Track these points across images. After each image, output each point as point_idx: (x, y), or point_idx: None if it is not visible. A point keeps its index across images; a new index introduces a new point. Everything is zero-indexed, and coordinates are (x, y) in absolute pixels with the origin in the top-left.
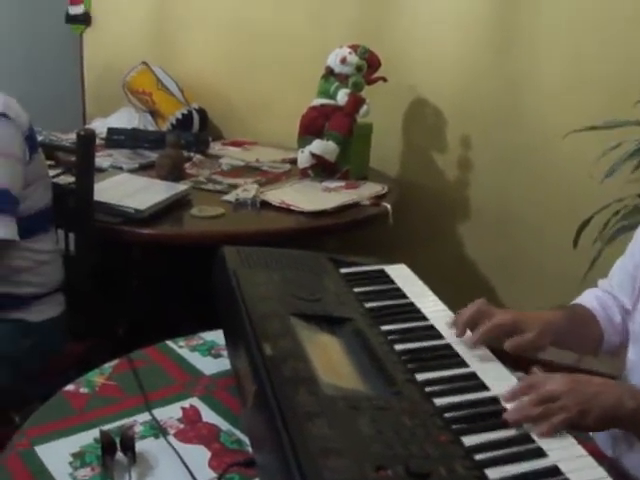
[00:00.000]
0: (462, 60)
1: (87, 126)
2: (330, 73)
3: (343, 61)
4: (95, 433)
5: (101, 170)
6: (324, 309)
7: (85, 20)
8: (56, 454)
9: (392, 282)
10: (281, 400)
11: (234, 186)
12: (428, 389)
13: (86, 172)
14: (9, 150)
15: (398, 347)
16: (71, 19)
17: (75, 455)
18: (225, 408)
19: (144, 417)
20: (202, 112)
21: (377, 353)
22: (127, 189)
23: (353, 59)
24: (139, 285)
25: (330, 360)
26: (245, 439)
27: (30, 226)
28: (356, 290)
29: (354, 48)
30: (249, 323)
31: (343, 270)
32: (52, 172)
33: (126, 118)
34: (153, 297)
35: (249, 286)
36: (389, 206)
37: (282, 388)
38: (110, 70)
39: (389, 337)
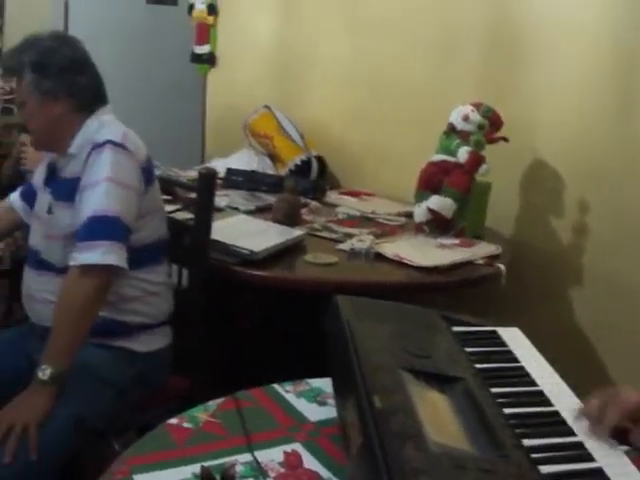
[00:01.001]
0: (582, 124)
1: (206, 165)
2: (452, 130)
3: (465, 119)
4: (194, 468)
5: (218, 209)
6: (435, 366)
7: (210, 60)
8: None
9: (504, 344)
10: (388, 454)
11: (349, 235)
12: (535, 455)
13: (205, 210)
14: (124, 180)
15: (507, 411)
16: (196, 59)
17: None
18: (327, 456)
19: (245, 457)
20: (321, 160)
21: (486, 415)
22: (243, 230)
23: (476, 117)
24: (246, 326)
25: (438, 417)
26: None
27: (142, 257)
28: (467, 350)
29: (477, 106)
30: (360, 374)
31: (455, 328)
32: (170, 207)
33: (245, 160)
34: (259, 339)
35: (361, 337)
36: (503, 267)
37: (389, 442)
38: (231, 111)
39: (498, 400)
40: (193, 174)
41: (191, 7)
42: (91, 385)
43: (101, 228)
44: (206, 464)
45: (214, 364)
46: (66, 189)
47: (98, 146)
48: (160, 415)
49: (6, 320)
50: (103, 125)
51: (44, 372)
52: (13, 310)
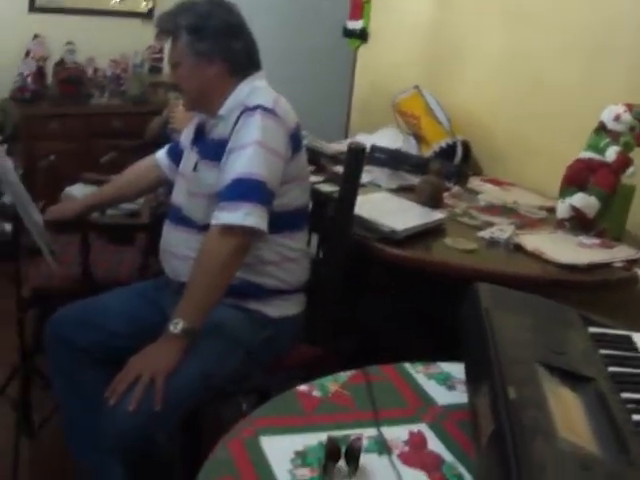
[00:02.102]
0: None
1: (350, 140)
2: (602, 128)
3: (617, 118)
4: (320, 437)
5: (361, 185)
6: (569, 364)
7: (362, 36)
8: (279, 448)
9: (637, 350)
10: (518, 445)
11: (489, 223)
12: None
13: (351, 185)
14: (272, 145)
15: (635, 417)
16: (349, 33)
17: (298, 453)
18: (452, 440)
19: (371, 432)
20: (466, 145)
21: (615, 419)
22: (385, 208)
23: (627, 118)
24: (376, 303)
25: (569, 415)
26: (467, 474)
27: (283, 222)
28: (602, 352)
29: (630, 107)
30: (496, 364)
31: (591, 329)
32: (315, 178)
33: (390, 138)
34: (387, 317)
35: (499, 327)
36: None
37: (520, 434)
38: (379, 88)
39: (628, 405)
40: (337, 147)
41: None
42: (221, 344)
43: (245, 190)
44: (332, 434)
45: (343, 336)
46: (213, 149)
47: (249, 110)
48: (285, 381)
49: (142, 273)
50: (255, 90)
51: (176, 326)
52: (149, 264)
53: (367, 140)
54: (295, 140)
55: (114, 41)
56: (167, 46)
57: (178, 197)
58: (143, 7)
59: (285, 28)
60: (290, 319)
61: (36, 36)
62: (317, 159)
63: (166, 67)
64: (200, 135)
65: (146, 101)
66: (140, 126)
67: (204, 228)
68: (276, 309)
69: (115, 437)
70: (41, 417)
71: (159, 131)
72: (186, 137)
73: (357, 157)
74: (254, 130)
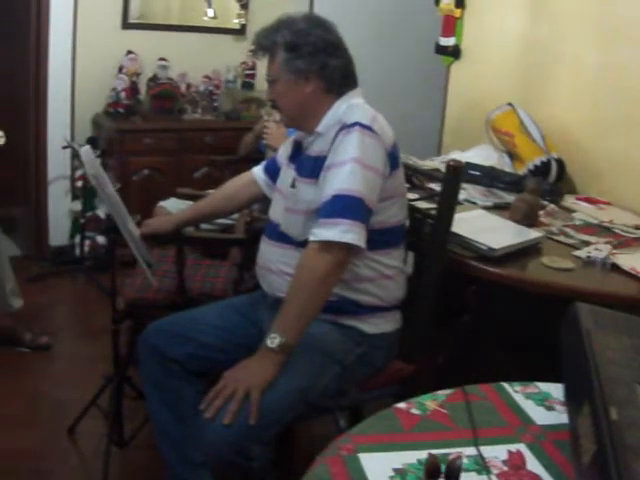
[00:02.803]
0: None
1: (443, 157)
2: None
3: None
4: (419, 454)
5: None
6: None
7: (454, 53)
8: (379, 466)
9: None
10: (620, 466)
11: (586, 243)
12: None
13: (449, 202)
14: (370, 162)
15: None
16: (441, 50)
17: (397, 471)
18: (551, 460)
19: (470, 451)
20: (560, 163)
21: None
22: (481, 225)
23: None
24: (469, 320)
25: None
26: None
27: (380, 239)
28: None
29: None
30: (597, 384)
31: None
32: (411, 195)
33: (484, 155)
34: (480, 335)
35: (600, 348)
36: None
37: (623, 455)
38: (472, 105)
39: None
40: (431, 164)
41: None
42: (317, 359)
43: (343, 207)
44: (432, 452)
45: (436, 353)
46: (311, 166)
47: (347, 127)
48: (380, 397)
49: (236, 288)
50: (352, 107)
51: (273, 340)
52: (244, 279)
53: (461, 157)
54: (393, 157)
55: (207, 57)
56: (259, 62)
57: (276, 213)
58: (235, 23)
59: (378, 44)
60: (385, 336)
61: (129, 52)
62: (411, 176)
63: (258, 83)
64: (297, 152)
65: (238, 117)
66: (232, 142)
67: (301, 244)
68: (372, 326)
69: (209, 449)
70: (132, 428)
71: (252, 147)
72: (283, 153)
73: (456, 175)
74: (352, 147)
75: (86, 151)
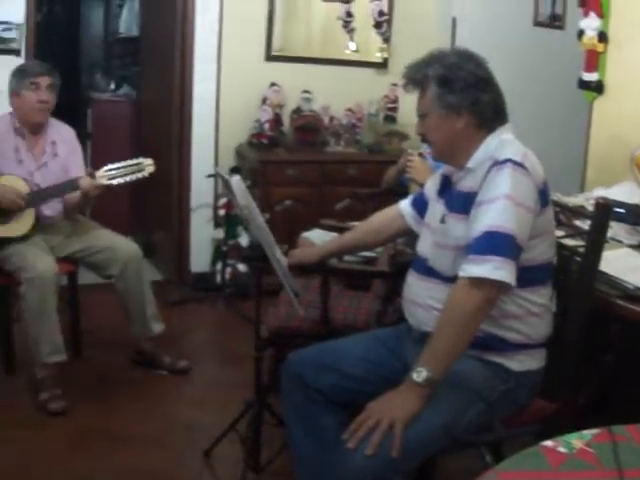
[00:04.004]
0: None
1: (587, 193)
2: None
3: None
4: None
5: None
6: None
7: (598, 88)
8: None
9: None
10: None
11: None
12: None
13: (597, 241)
14: (522, 199)
15: None
16: (584, 85)
17: None
18: None
19: None
20: None
21: None
22: (628, 264)
23: None
24: (613, 360)
25: None
26: None
27: (528, 276)
28: None
29: None
30: None
31: None
32: (558, 232)
33: (628, 192)
34: (624, 375)
35: None
36: None
37: None
38: (616, 141)
39: None
40: (575, 200)
41: (581, 33)
42: (462, 396)
43: (494, 244)
44: None
45: (580, 392)
46: (461, 202)
47: (499, 164)
48: (523, 434)
49: (379, 320)
50: (504, 143)
51: (419, 374)
52: (387, 312)
53: (605, 194)
54: (543, 194)
55: (349, 90)
56: (402, 96)
57: (424, 248)
58: (377, 57)
59: (514, 78)
60: (531, 373)
61: (273, 84)
62: (558, 213)
63: (400, 117)
64: (446, 186)
65: (381, 150)
66: (374, 174)
67: (450, 280)
68: (518, 363)
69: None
70: (269, 454)
71: (394, 180)
72: (431, 188)
73: (605, 213)
74: (504, 184)
75: (237, 181)
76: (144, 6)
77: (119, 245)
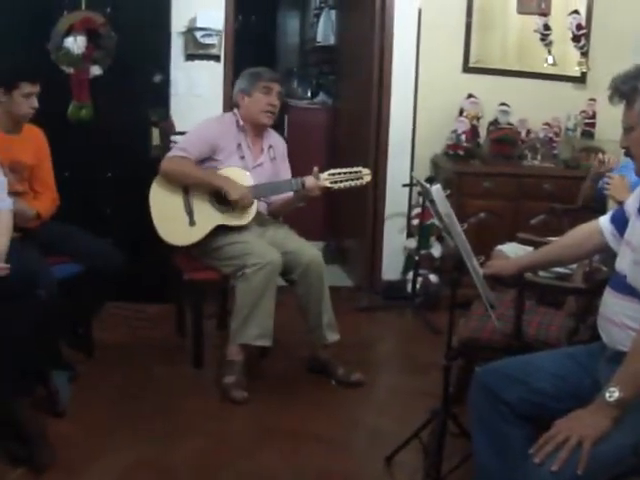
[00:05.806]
0: None
1: None
2: None
3: None
4: None
5: None
6: None
7: None
8: None
9: None
10: None
11: None
12: None
13: None
14: None
15: None
16: None
17: None
18: None
19: None
20: None
21: None
22: None
23: None
24: None
25: None
26: None
27: None
28: None
29: None
30: None
31: None
32: None
33: None
34: None
35: None
36: None
37: None
38: None
39: None
40: None
41: None
42: None
43: None
44: None
45: None
46: None
47: None
48: None
49: (570, 338)
50: None
51: (612, 394)
52: (579, 329)
53: None
54: None
55: (546, 104)
56: (599, 111)
57: (623, 265)
58: (576, 71)
59: None
60: None
61: (470, 95)
62: None
63: (598, 132)
64: None
65: (577, 166)
66: (570, 190)
67: None
68: None
69: None
70: (449, 464)
71: (592, 197)
72: (632, 204)
73: None
74: None
75: (437, 190)
76: (341, 15)
77: (303, 249)
